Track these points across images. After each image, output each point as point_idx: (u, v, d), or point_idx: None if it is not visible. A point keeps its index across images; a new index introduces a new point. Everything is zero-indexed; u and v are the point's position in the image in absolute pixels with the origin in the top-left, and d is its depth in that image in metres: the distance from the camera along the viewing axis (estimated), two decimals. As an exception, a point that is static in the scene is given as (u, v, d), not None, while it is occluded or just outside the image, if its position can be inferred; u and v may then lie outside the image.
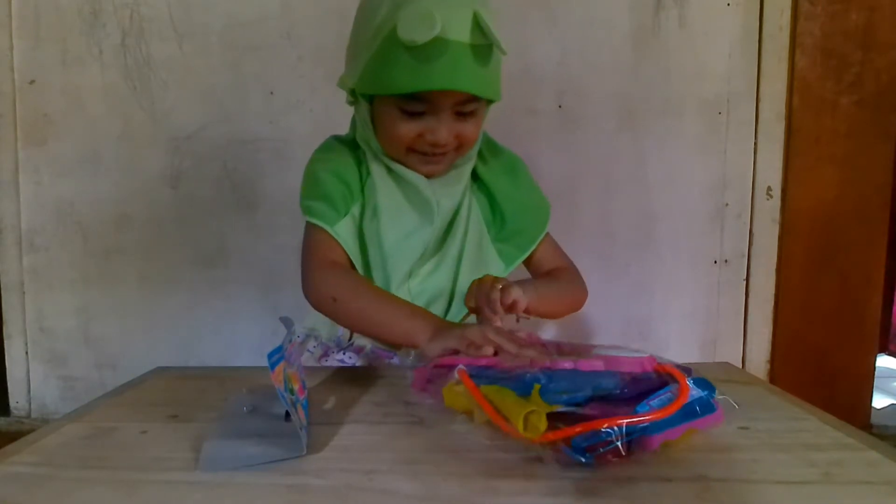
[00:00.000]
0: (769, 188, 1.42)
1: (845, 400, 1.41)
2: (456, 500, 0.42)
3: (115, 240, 1.45)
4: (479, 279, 0.81)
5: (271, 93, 1.41)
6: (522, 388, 0.49)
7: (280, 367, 0.50)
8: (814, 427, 0.57)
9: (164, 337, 1.46)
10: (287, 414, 0.53)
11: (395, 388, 0.69)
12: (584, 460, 0.44)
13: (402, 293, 0.85)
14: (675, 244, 1.44)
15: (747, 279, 1.45)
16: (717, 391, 0.51)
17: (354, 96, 0.85)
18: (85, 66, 1.41)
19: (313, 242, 0.84)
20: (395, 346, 0.86)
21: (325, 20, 1.38)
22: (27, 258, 1.46)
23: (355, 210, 0.86)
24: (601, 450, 0.44)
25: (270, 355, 0.49)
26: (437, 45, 0.71)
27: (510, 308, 0.77)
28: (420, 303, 0.85)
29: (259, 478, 0.47)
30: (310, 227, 0.85)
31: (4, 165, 1.43)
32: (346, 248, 0.84)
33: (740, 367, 1.43)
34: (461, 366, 0.55)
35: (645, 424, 0.45)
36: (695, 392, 0.49)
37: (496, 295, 0.76)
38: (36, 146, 1.43)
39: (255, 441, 0.52)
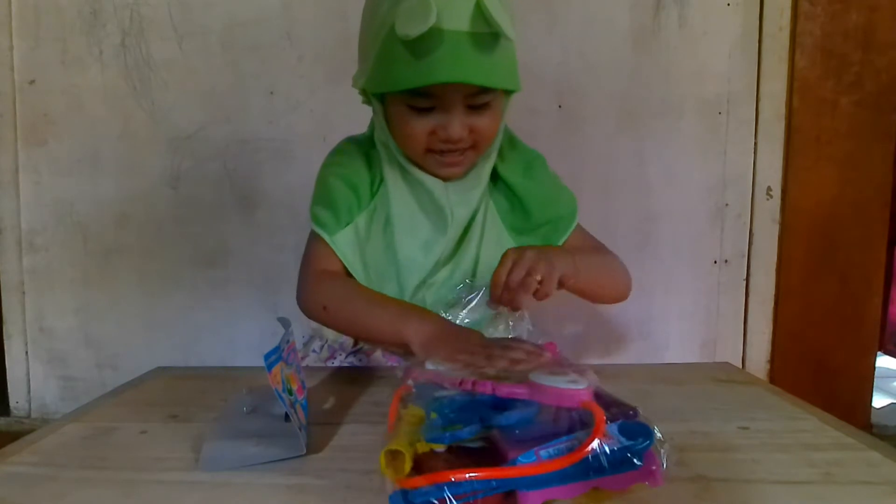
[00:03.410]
0: (769, 188, 1.42)
1: (845, 400, 1.41)
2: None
3: (115, 240, 1.45)
4: (497, 268, 0.72)
5: (271, 93, 1.41)
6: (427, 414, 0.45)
7: (277, 368, 0.50)
8: (814, 427, 0.57)
9: (164, 337, 1.46)
10: (287, 414, 0.53)
11: (394, 389, 0.69)
12: None
13: (417, 302, 0.83)
14: (675, 244, 1.44)
15: (747, 279, 1.45)
16: (657, 442, 0.40)
17: (366, 96, 0.82)
18: (85, 66, 1.41)
19: (312, 251, 0.84)
20: (403, 351, 0.83)
21: (325, 20, 1.38)
22: (27, 258, 1.45)
23: (361, 219, 0.84)
24: None
25: (267, 356, 0.49)
26: (434, 37, 0.67)
27: (542, 293, 0.70)
28: (437, 310, 0.81)
29: (259, 478, 0.47)
30: (312, 235, 0.84)
31: (4, 165, 1.43)
32: (342, 259, 0.82)
33: (740, 367, 1.43)
34: (410, 381, 0.50)
35: (518, 478, 0.39)
36: (612, 444, 0.39)
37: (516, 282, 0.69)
38: (36, 146, 1.43)
39: (255, 441, 0.52)
